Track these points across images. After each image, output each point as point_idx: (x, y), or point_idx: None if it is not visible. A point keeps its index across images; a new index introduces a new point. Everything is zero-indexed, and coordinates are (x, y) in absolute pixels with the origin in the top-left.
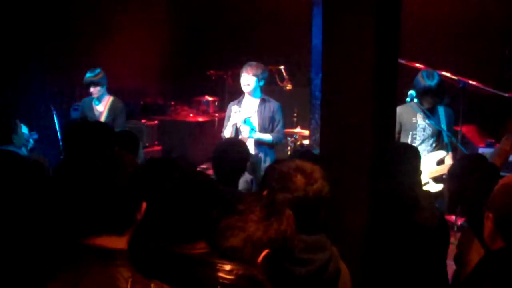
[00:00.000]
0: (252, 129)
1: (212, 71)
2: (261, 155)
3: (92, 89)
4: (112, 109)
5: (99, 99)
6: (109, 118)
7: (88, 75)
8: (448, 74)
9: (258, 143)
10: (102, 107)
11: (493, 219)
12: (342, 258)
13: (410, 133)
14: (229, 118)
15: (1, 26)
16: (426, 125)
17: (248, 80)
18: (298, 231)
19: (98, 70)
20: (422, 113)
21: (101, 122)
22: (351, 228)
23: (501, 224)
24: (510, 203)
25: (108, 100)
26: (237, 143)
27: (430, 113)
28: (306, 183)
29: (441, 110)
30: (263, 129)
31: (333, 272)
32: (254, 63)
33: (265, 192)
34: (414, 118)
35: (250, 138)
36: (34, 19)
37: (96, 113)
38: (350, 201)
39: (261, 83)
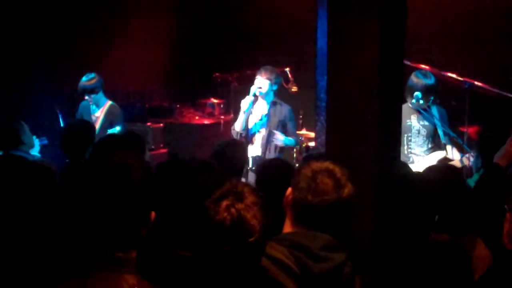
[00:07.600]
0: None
1: (217, 74)
2: (269, 157)
3: (87, 98)
4: (108, 115)
5: (97, 105)
6: (105, 124)
7: (83, 79)
8: (453, 75)
9: (267, 145)
10: (99, 113)
11: None
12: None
13: (405, 135)
14: (243, 112)
15: (4, 29)
16: (421, 127)
17: (261, 83)
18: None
19: (92, 75)
20: (416, 114)
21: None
22: (358, 231)
23: None
24: None
25: (105, 105)
26: (234, 144)
27: (425, 112)
28: (335, 186)
29: (434, 109)
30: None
31: (348, 274)
32: (269, 67)
33: (289, 191)
34: (408, 120)
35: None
36: (38, 21)
37: (93, 118)
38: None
39: (274, 87)
